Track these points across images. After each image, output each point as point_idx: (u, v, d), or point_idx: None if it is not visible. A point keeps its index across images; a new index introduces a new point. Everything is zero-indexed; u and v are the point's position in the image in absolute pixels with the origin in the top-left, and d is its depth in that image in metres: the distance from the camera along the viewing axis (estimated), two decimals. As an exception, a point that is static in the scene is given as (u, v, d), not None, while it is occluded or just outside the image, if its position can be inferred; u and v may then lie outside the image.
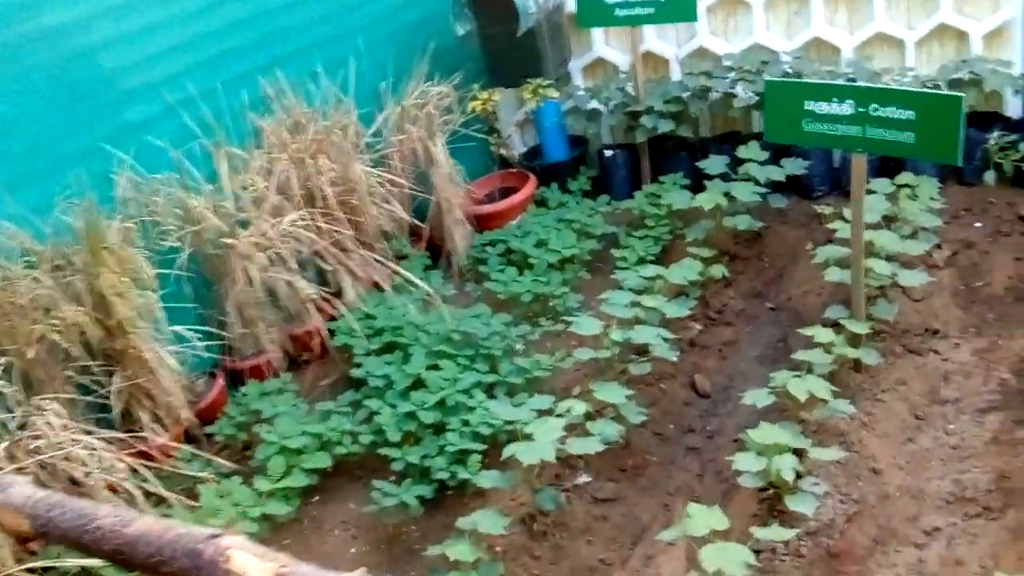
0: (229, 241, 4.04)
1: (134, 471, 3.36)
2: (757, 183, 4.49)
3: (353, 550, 3.41)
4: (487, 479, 3.10)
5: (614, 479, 3.53)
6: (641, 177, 5.32)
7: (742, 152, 4.60)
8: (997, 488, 3.15)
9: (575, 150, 5.54)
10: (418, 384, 3.73)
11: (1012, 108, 4.72)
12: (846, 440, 3.35)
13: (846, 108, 3.22)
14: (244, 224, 4.20)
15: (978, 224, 4.48)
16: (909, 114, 3.07)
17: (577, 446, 3.09)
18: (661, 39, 5.35)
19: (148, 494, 3.37)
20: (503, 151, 5.16)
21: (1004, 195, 4.59)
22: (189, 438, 3.93)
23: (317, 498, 3.67)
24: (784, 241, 4.72)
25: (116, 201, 3.84)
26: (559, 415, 3.24)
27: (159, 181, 4.00)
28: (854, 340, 3.53)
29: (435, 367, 3.81)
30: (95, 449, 3.29)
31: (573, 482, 3.49)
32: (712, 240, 4.52)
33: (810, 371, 3.33)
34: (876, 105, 3.14)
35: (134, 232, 3.80)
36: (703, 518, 2.68)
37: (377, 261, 4.57)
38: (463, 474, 3.34)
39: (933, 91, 3.06)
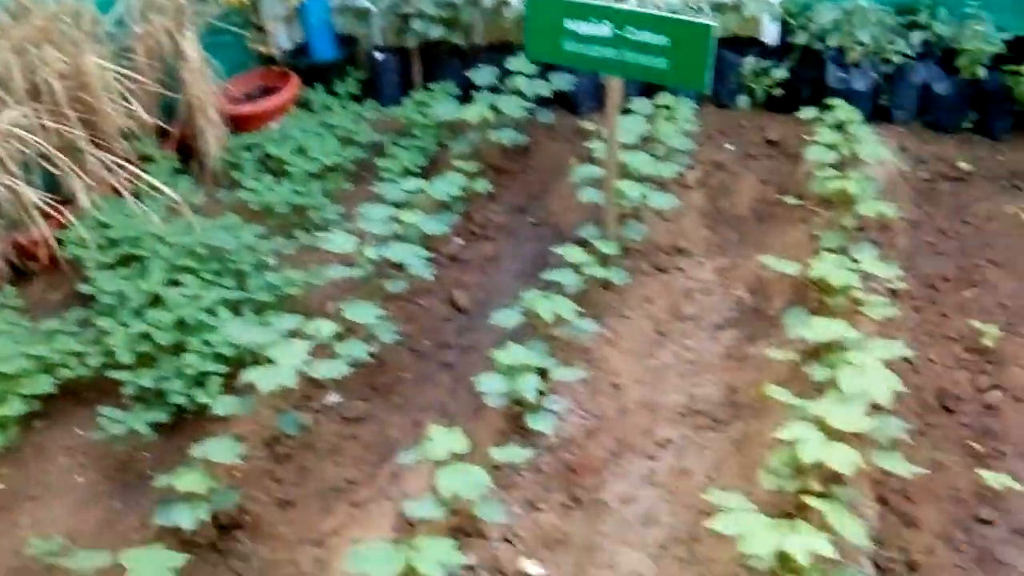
0: (-70, 137, 3.54)
1: None
2: (524, 97, 4.44)
3: (80, 479, 3.18)
4: (224, 404, 2.93)
5: (365, 398, 3.46)
6: (412, 83, 5.14)
7: (511, 64, 4.53)
8: (726, 401, 3.35)
9: (344, 50, 5.26)
10: (156, 301, 3.46)
11: (769, 35, 4.89)
12: (591, 357, 3.44)
13: (604, 29, 3.18)
14: (-50, 118, 3.69)
15: (729, 146, 4.67)
16: (662, 39, 3.08)
17: (322, 369, 2.98)
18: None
19: None
20: (262, 47, 4.80)
21: (756, 119, 4.81)
22: None
23: (41, 423, 3.37)
24: (550, 156, 4.73)
25: None
26: (306, 336, 3.11)
27: None
28: (604, 260, 3.59)
29: (176, 283, 3.55)
30: None
31: (322, 402, 3.39)
32: (478, 153, 4.45)
33: (561, 291, 3.36)
34: (632, 28, 3.12)
35: None
36: (443, 440, 2.66)
37: (116, 164, 4.17)
38: (202, 398, 3.16)
39: (684, 18, 3.05)
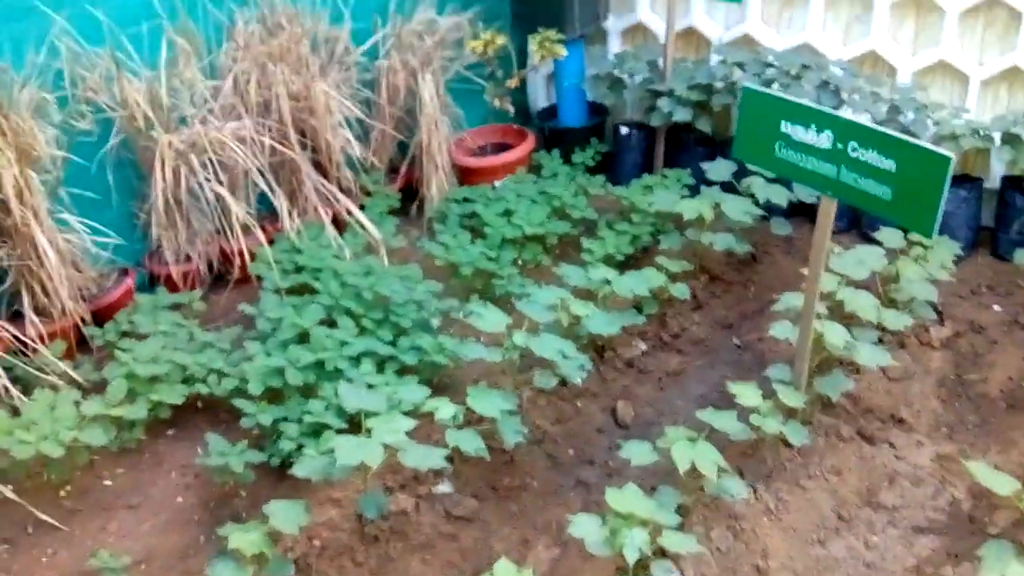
0: (155, 135, 3.71)
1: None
2: (756, 203, 3.94)
3: (180, 500, 3.12)
4: (306, 467, 2.72)
5: (480, 497, 3.13)
6: (652, 165, 4.79)
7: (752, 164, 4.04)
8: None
9: (594, 119, 5.03)
10: (305, 337, 3.37)
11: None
12: (738, 527, 2.88)
13: (823, 140, 2.66)
14: (184, 121, 3.87)
15: (997, 307, 3.86)
16: (890, 164, 2.51)
17: (414, 457, 2.68)
18: (710, 16, 4.74)
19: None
20: (497, 102, 4.67)
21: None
22: (83, 339, 3.67)
23: (170, 433, 3.37)
24: (777, 274, 4.17)
25: (35, 67, 3.51)
26: (419, 415, 2.85)
27: (97, 55, 3.67)
28: (787, 412, 3.02)
29: (331, 323, 3.44)
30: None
31: (431, 488, 3.10)
32: (691, 254, 4.00)
33: (719, 437, 2.85)
34: (855, 144, 2.59)
35: (48, 104, 3.49)
36: (506, 582, 2.27)
37: (330, 192, 4.19)
38: (310, 450, 2.98)
39: (920, 143, 2.47)
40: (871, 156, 2.54)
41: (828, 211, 2.78)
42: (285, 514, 2.58)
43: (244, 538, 2.52)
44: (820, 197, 2.80)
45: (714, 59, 4.63)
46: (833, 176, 2.67)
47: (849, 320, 3.34)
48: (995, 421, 3.38)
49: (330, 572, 2.83)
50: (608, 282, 3.59)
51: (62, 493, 3.11)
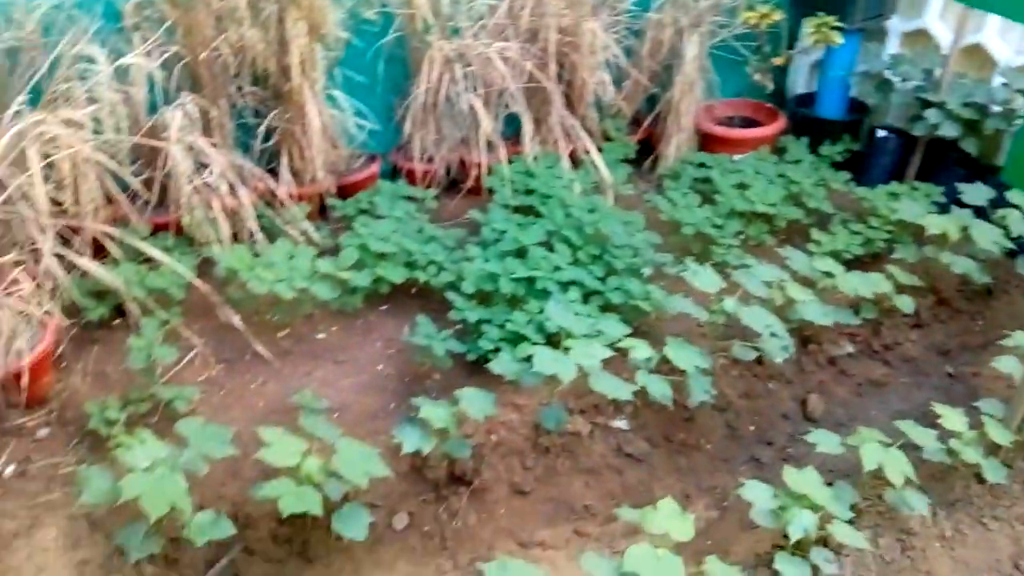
0: (428, 39, 3.93)
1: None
2: (1008, 235, 3.72)
3: (380, 367, 3.35)
4: (503, 365, 2.86)
5: (652, 443, 3.19)
6: (903, 173, 4.59)
7: (1013, 196, 3.81)
8: None
9: (852, 116, 4.86)
10: (522, 253, 3.51)
11: None
12: (908, 544, 2.78)
13: None
14: (456, 32, 4.07)
15: None
16: None
17: (605, 384, 2.77)
18: (1002, 37, 4.45)
19: (236, 223, 3.47)
20: (759, 77, 4.60)
21: None
22: (323, 205, 3.98)
23: (384, 308, 3.61)
24: (1016, 313, 3.91)
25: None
26: (616, 347, 2.93)
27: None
28: (990, 447, 2.87)
29: (549, 247, 3.56)
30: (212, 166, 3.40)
31: (609, 421, 3.18)
32: (927, 273, 3.83)
33: (913, 452, 2.76)
34: None
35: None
36: (665, 517, 2.33)
37: (572, 128, 4.30)
38: (514, 368, 3.09)
39: None
40: None
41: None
42: (474, 401, 2.74)
43: (433, 411, 2.70)
44: None
45: (997, 81, 4.36)
46: None
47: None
48: None
49: (500, 467, 2.98)
50: (831, 275, 3.51)
51: (280, 334, 3.42)
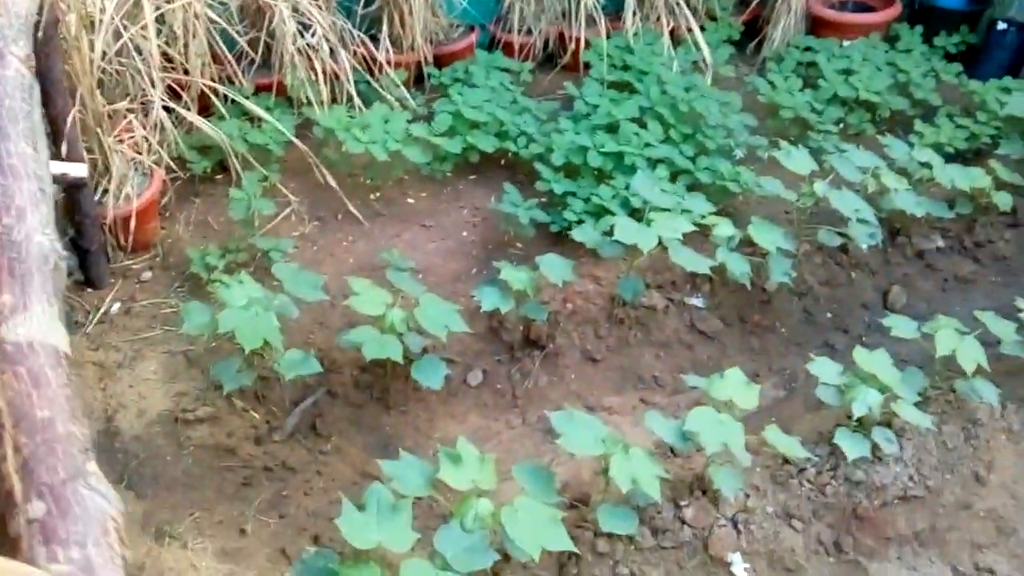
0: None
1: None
2: None
3: (465, 233, 3.46)
4: (585, 233, 2.94)
5: (726, 321, 3.25)
6: (1022, 70, 4.36)
7: None
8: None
9: (974, 6, 4.61)
10: (615, 128, 3.52)
11: None
12: (972, 430, 2.79)
13: None
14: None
15: None
16: None
17: (684, 257, 2.81)
18: None
19: (335, 86, 3.57)
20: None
21: None
22: (421, 74, 4.04)
23: (474, 177, 3.70)
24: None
25: None
26: (696, 224, 2.96)
27: None
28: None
29: (642, 124, 3.56)
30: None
31: (685, 297, 3.24)
32: (1031, 167, 3.69)
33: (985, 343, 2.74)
34: None
35: None
36: (731, 385, 2.40)
37: (676, 6, 4.21)
38: (594, 237, 3.14)
39: None
40: None
41: None
42: (554, 267, 2.83)
43: (514, 274, 2.80)
44: None
45: None
46: None
47: None
48: None
49: (573, 334, 3.08)
50: (929, 166, 3.42)
51: (372, 196, 3.54)
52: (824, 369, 2.57)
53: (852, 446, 2.48)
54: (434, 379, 2.67)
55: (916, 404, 2.59)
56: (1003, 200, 3.52)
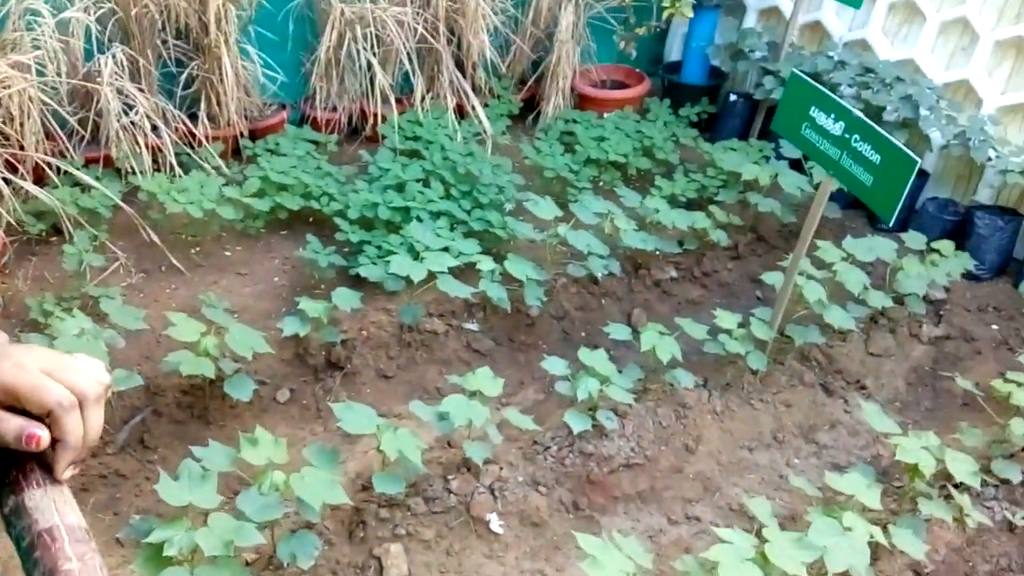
0: (333, 2, 4.57)
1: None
2: (811, 182, 4.49)
3: (276, 279, 4.02)
4: (369, 270, 3.58)
5: (498, 342, 3.92)
6: (748, 132, 5.35)
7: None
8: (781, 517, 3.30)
9: (712, 82, 5.60)
10: (402, 188, 4.19)
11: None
12: (682, 413, 3.56)
13: (837, 128, 3.23)
14: (358, -4, 4.71)
15: (995, 326, 4.31)
16: (876, 157, 3.08)
17: (450, 285, 3.49)
18: (838, 15, 5.22)
19: (158, 158, 4.10)
20: (623, 44, 5.31)
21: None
22: (236, 148, 4.60)
23: (285, 233, 4.28)
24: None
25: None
26: (464, 259, 3.64)
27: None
28: (755, 342, 3.64)
29: (427, 183, 4.25)
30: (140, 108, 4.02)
31: (462, 323, 3.90)
32: (750, 214, 4.59)
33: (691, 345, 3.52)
34: (858, 137, 3.15)
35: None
36: (480, 379, 3.06)
37: (461, 85, 4.98)
38: (378, 272, 3.78)
39: (901, 145, 3.02)
40: (866, 148, 3.10)
41: (826, 187, 3.36)
42: (344, 298, 3.44)
43: (312, 305, 3.40)
44: (825, 177, 3.39)
45: (831, 52, 5.12)
46: (836, 159, 3.24)
47: (847, 297, 3.90)
48: (946, 412, 3.90)
49: (368, 356, 3.68)
50: (657, 211, 4.25)
51: (192, 251, 4.06)
52: (554, 365, 3.27)
53: (577, 423, 3.17)
54: (244, 392, 3.20)
55: (637, 394, 3.32)
56: (720, 237, 4.40)
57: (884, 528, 2.83)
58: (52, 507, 0.92)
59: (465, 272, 3.76)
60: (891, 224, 3.10)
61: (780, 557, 2.46)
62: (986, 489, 3.34)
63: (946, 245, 4.22)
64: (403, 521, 2.99)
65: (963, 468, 2.98)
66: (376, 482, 2.84)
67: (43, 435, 0.93)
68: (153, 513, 2.97)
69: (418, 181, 4.24)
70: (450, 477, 3.13)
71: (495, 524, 3.08)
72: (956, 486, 3.25)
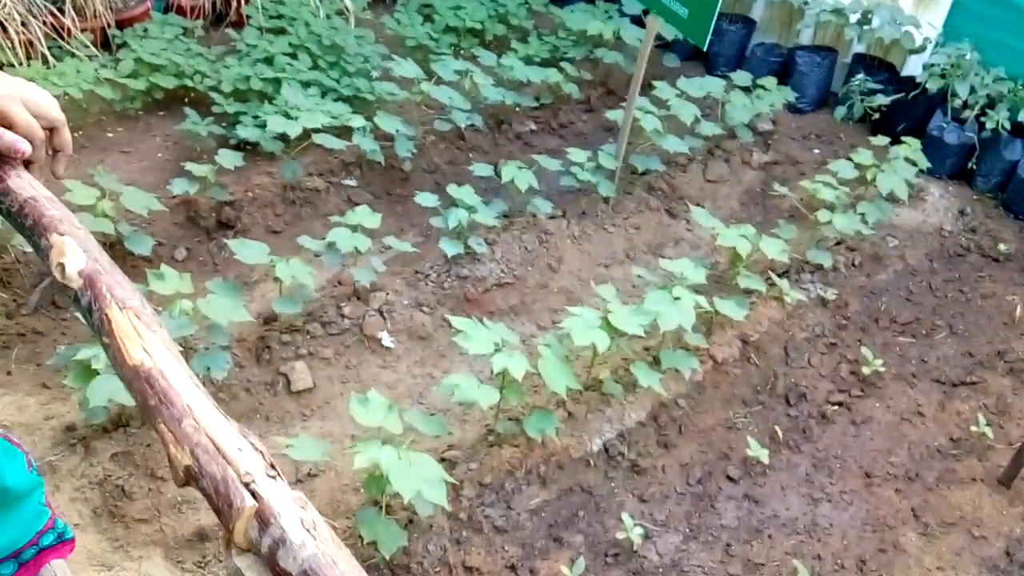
0: None
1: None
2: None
3: (160, 155, 4.25)
4: (250, 132, 3.86)
5: (375, 195, 4.28)
6: (594, -1, 5.72)
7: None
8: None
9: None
10: (271, 61, 4.44)
11: (908, 67, 4.99)
12: (545, 238, 4.02)
13: None
14: None
15: (816, 150, 4.90)
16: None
17: (323, 139, 3.81)
18: None
19: (30, 52, 4.22)
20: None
21: (845, 131, 4.99)
22: (107, 39, 4.73)
23: (161, 114, 4.48)
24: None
25: None
26: (337, 121, 3.96)
27: None
28: (605, 173, 4.11)
29: (294, 56, 4.50)
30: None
31: (341, 180, 4.24)
32: (602, 71, 5.01)
33: (546, 178, 3.96)
34: None
35: None
36: (361, 215, 3.43)
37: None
38: (256, 133, 4.06)
39: None
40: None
41: (653, 26, 3.79)
42: (228, 158, 3.73)
43: (197, 167, 3.67)
44: (647, 13, 3.81)
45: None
46: None
47: (684, 129, 4.39)
48: (773, 221, 4.47)
49: (256, 215, 3.99)
50: (512, 68, 4.62)
51: (76, 135, 4.24)
52: (426, 199, 3.67)
53: (451, 248, 3.60)
54: (143, 247, 3.48)
55: (503, 224, 3.75)
56: (573, 90, 4.81)
57: (710, 301, 3.37)
58: (31, 186, 1.28)
59: (340, 135, 4.07)
60: (704, 48, 3.54)
61: (621, 322, 2.96)
62: (803, 274, 3.94)
63: (770, 81, 4.75)
64: (304, 343, 3.38)
65: (775, 248, 3.54)
66: (276, 306, 3.21)
67: (27, 149, 1.28)
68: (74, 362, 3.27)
69: (286, 55, 4.49)
70: (342, 305, 3.52)
71: (387, 340, 3.50)
72: (779, 275, 3.84)
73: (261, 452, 0.96)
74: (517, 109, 4.76)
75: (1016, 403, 3.53)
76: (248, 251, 3.18)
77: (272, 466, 0.95)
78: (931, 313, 3.98)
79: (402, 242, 3.55)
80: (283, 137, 4.00)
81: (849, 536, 2.97)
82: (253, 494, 0.92)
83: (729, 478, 3.12)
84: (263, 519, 0.89)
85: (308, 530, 0.87)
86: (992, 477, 3.23)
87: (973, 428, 3.35)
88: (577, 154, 4.10)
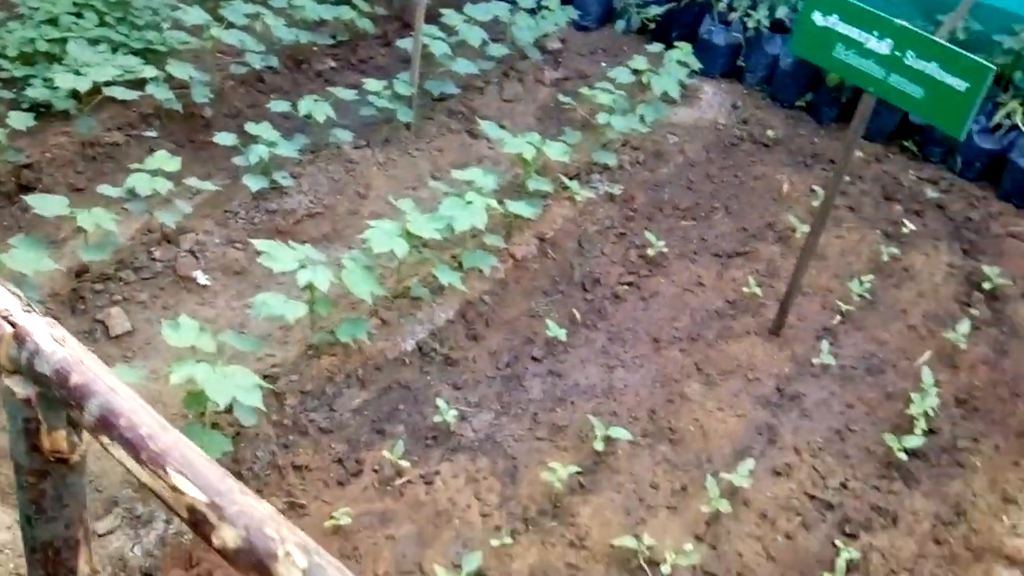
0: None
1: None
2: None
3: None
4: (38, 91, 3.85)
5: (178, 144, 4.33)
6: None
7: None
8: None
9: None
10: (54, 21, 4.39)
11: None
12: (351, 167, 4.20)
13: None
14: None
15: (603, 63, 5.25)
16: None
17: (116, 91, 3.85)
18: None
19: None
20: None
21: (625, 42, 5.37)
22: None
23: (-54, 85, 4.37)
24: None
25: None
26: (129, 75, 3.99)
27: None
28: (402, 100, 4.31)
29: (79, 15, 4.46)
30: None
31: (141, 132, 4.27)
32: (397, 8, 5.17)
33: (347, 111, 4.12)
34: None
35: None
36: (160, 160, 3.51)
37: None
38: (47, 93, 4.04)
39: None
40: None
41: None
42: (19, 120, 3.73)
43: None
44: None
45: None
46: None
47: (474, 53, 4.62)
48: (566, 132, 4.79)
49: (57, 175, 3.99)
50: (303, 7, 4.73)
51: None
52: (224, 138, 3.79)
53: (255, 183, 3.74)
54: (-62, 215, 3.46)
55: (308, 157, 3.91)
56: (367, 26, 4.97)
57: (502, 203, 3.65)
58: None
59: (135, 87, 4.10)
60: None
61: (419, 228, 3.20)
62: (592, 175, 4.29)
63: (553, 1, 5.04)
64: (118, 290, 3.46)
65: (557, 151, 3.86)
66: (84, 254, 3.28)
67: None
68: None
69: (70, 14, 4.45)
70: (153, 249, 3.62)
71: (202, 279, 3.62)
72: (571, 177, 4.16)
73: (17, 295, 1.14)
74: (315, 48, 4.88)
75: (784, 265, 4.00)
76: (47, 204, 3.23)
77: (29, 304, 1.13)
78: (709, 198, 4.40)
79: (206, 183, 3.66)
80: (75, 95, 4.00)
81: (641, 393, 3.34)
82: (12, 324, 1.10)
83: (534, 358, 3.44)
84: (19, 338, 1.07)
85: (57, 341, 1.06)
86: (764, 329, 3.68)
87: (745, 290, 3.79)
88: (373, 84, 4.28)
